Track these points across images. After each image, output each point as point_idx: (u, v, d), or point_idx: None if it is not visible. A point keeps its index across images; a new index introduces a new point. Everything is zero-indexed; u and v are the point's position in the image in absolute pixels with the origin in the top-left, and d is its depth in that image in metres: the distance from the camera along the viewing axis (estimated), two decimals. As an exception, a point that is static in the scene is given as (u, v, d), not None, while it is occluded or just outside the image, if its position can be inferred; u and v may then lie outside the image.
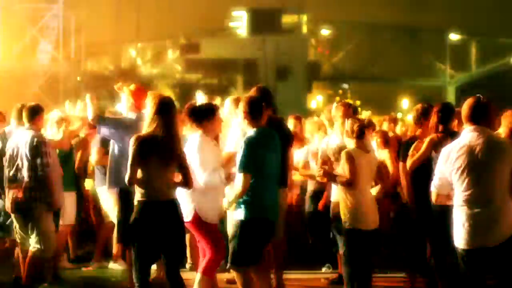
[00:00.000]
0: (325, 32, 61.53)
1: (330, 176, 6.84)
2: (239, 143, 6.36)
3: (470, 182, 5.04)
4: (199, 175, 6.37)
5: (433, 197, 5.38)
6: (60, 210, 8.15)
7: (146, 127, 5.86)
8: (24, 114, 7.46)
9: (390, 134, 10.24)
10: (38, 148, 7.21)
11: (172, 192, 5.91)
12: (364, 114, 10.03)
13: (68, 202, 8.43)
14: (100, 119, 7.18)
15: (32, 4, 28.58)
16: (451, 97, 53.23)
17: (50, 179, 7.26)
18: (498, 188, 5.02)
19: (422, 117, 7.56)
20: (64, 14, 28.66)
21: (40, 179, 7.21)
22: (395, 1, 58.22)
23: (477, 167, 5.02)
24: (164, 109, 5.84)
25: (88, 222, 9.45)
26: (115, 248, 8.64)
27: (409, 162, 7.12)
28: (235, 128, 7.22)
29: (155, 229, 5.76)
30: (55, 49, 28.71)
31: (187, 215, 6.44)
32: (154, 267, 7.00)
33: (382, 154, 8.27)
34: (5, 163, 7.39)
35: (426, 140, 7.03)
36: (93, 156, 8.62)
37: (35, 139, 7.25)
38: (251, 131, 6.26)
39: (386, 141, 8.62)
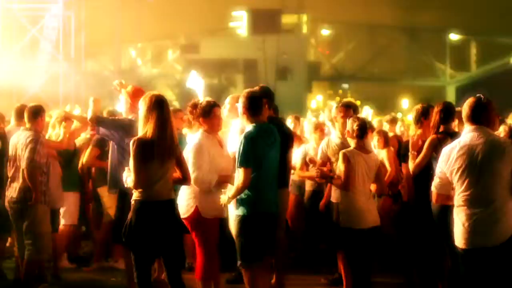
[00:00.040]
0: (325, 32, 61.52)
1: (327, 178, 6.84)
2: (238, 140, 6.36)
3: (470, 182, 5.04)
4: (191, 172, 6.35)
5: (434, 197, 5.38)
6: (60, 210, 8.17)
7: (141, 127, 5.84)
8: (26, 115, 7.47)
9: (390, 134, 10.25)
10: (35, 150, 7.20)
11: (171, 192, 5.91)
12: (365, 111, 10.01)
13: (71, 202, 8.45)
14: (98, 119, 7.18)
15: (32, 4, 28.55)
16: (451, 97, 53.17)
17: (43, 180, 7.25)
18: (498, 188, 5.02)
19: (422, 117, 7.57)
20: (64, 14, 28.64)
21: (35, 181, 7.20)
22: (395, 1, 58.15)
23: (477, 167, 5.02)
24: (157, 107, 5.81)
25: (88, 222, 9.44)
26: (116, 248, 8.63)
27: (411, 165, 7.11)
28: (235, 127, 7.22)
29: (153, 229, 5.74)
30: (55, 49, 28.68)
31: (187, 210, 6.43)
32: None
33: (381, 154, 8.28)
34: (10, 164, 7.39)
35: (427, 141, 7.03)
36: (85, 156, 8.63)
37: (33, 141, 7.25)
38: (249, 126, 6.25)
39: (385, 141, 8.63)
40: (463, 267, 5.13)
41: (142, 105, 5.85)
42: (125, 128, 6.98)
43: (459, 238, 5.11)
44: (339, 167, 6.70)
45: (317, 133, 9.10)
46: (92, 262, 8.99)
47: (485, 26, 56.25)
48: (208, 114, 6.74)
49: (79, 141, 8.99)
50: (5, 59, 26.37)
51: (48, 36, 28.89)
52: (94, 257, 9.06)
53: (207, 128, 6.73)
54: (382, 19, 57.72)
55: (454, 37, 59.04)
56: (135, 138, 5.79)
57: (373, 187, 6.90)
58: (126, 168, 5.87)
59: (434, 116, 7.16)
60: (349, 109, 7.61)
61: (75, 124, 8.64)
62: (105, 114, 9.01)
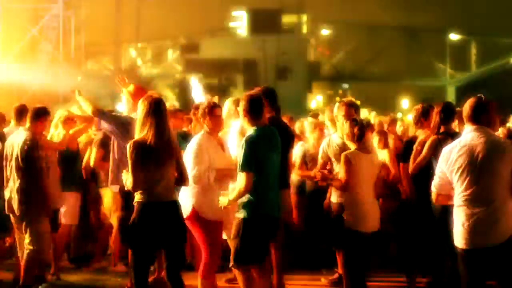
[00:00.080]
0: (325, 32, 61.52)
1: (328, 180, 6.83)
2: (239, 144, 6.36)
3: (470, 182, 5.04)
4: (189, 171, 6.36)
5: (434, 197, 5.38)
6: (59, 210, 8.17)
7: (138, 130, 5.83)
8: (28, 115, 7.48)
9: (391, 135, 10.26)
10: (29, 151, 7.20)
11: (173, 193, 5.91)
12: (365, 114, 10.00)
13: (71, 202, 8.45)
14: (101, 112, 7.20)
15: (32, 4, 28.55)
16: (451, 97, 53.18)
17: (42, 183, 7.26)
18: (498, 188, 5.02)
19: (422, 117, 7.58)
20: (64, 14, 28.64)
21: (31, 182, 7.21)
22: (395, 1, 58.16)
23: (477, 167, 5.02)
24: (155, 110, 5.81)
25: (88, 222, 9.44)
26: (116, 248, 8.63)
27: (411, 165, 7.11)
28: (234, 130, 7.24)
29: (155, 231, 5.74)
30: (55, 49, 28.69)
31: (185, 211, 6.44)
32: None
33: (381, 155, 8.28)
34: (4, 163, 7.40)
35: (428, 142, 7.03)
36: (92, 158, 8.63)
37: (28, 142, 7.24)
38: (251, 130, 6.25)
39: (385, 141, 8.63)
40: (463, 267, 5.13)
41: (140, 107, 5.85)
42: (125, 125, 7.00)
43: (458, 238, 5.11)
44: (340, 169, 6.69)
45: (316, 132, 9.09)
46: (92, 262, 8.99)
47: (485, 26, 56.25)
48: (209, 114, 6.76)
49: (82, 141, 9.00)
50: (5, 59, 26.38)
51: (48, 36, 28.89)
52: (94, 257, 9.07)
53: (208, 128, 6.76)
54: (382, 19, 57.71)
55: (454, 37, 59.04)
56: (132, 141, 5.78)
57: None
58: (124, 171, 5.88)
59: (435, 116, 7.16)
60: (351, 108, 7.60)
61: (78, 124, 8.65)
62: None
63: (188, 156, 6.55)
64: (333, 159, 7.49)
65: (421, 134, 7.51)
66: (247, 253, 6.19)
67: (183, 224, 6.01)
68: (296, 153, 8.78)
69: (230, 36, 57.54)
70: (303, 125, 10.78)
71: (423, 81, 58.31)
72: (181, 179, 5.98)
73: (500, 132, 8.08)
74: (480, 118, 5.14)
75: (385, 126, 10.70)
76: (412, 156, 7.14)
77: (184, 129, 9.07)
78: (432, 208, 6.71)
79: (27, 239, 7.22)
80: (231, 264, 6.32)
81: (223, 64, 51.89)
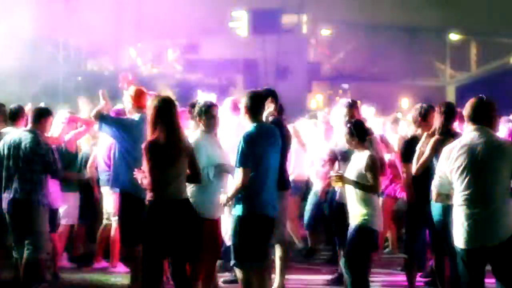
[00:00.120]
0: (325, 32, 61.52)
1: (346, 181, 6.72)
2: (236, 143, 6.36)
3: (470, 181, 5.04)
4: None
5: (433, 196, 5.38)
6: (58, 210, 8.16)
7: (150, 130, 5.86)
8: (31, 115, 7.49)
9: (394, 135, 10.26)
10: (40, 150, 7.24)
11: (184, 191, 5.92)
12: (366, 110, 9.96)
13: (71, 203, 8.45)
14: (101, 116, 7.20)
15: (32, 4, 28.55)
16: (451, 97, 53.12)
17: (47, 182, 7.30)
18: (498, 188, 5.02)
19: (422, 117, 7.58)
20: (64, 14, 28.65)
21: (39, 182, 7.23)
22: (395, 1, 58.12)
23: (477, 166, 5.03)
24: (165, 110, 5.84)
25: (89, 222, 9.44)
26: (115, 248, 8.63)
27: (414, 166, 7.11)
28: (232, 129, 7.24)
29: (167, 229, 5.75)
30: (55, 49, 28.69)
31: None
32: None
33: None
34: (5, 164, 7.39)
35: (430, 142, 7.03)
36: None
37: (39, 142, 7.29)
38: (250, 126, 6.25)
39: (386, 145, 8.61)
40: (463, 266, 5.13)
41: (151, 108, 5.87)
42: (127, 127, 6.99)
43: (458, 238, 5.11)
44: (366, 171, 6.60)
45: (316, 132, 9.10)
46: (92, 262, 8.99)
47: (485, 26, 56.22)
48: (205, 113, 6.76)
49: (85, 140, 9.03)
50: (5, 59, 26.38)
51: (48, 36, 28.88)
52: (94, 257, 9.06)
53: (204, 127, 6.76)
54: (382, 19, 57.69)
55: (454, 37, 59.02)
56: (147, 141, 5.83)
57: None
58: (136, 170, 5.89)
59: (437, 117, 7.16)
60: (351, 109, 7.61)
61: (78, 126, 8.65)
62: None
63: None
64: (339, 158, 7.50)
65: (422, 135, 7.51)
66: (244, 252, 6.18)
67: (196, 222, 5.99)
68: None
69: (230, 36, 57.52)
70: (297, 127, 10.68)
71: (423, 81, 58.27)
72: (194, 177, 5.99)
73: (506, 129, 8.08)
74: (481, 118, 5.14)
75: (388, 125, 10.70)
76: (415, 157, 7.14)
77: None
78: (432, 207, 6.71)
79: (27, 238, 7.22)
80: (232, 263, 6.32)
81: (223, 64, 51.86)
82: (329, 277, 8.28)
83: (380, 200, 7.53)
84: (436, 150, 6.88)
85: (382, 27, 58.60)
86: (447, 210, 5.71)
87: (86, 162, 8.92)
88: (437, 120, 7.14)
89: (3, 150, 7.36)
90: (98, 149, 8.61)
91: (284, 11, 56.18)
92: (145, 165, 5.76)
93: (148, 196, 5.82)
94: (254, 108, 6.28)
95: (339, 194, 7.45)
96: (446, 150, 5.21)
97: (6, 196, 7.29)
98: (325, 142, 8.41)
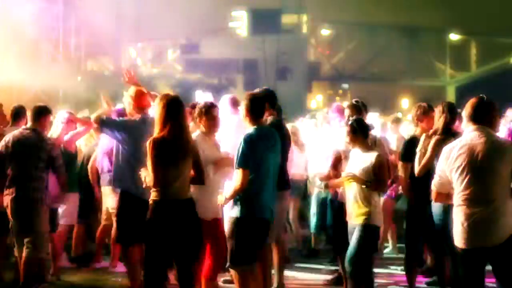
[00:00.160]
0: (325, 32, 61.53)
1: (358, 180, 6.67)
2: (236, 142, 6.35)
3: (470, 181, 5.03)
4: None
5: (433, 196, 5.38)
6: (58, 210, 8.16)
7: (157, 129, 5.85)
8: (30, 114, 7.49)
9: (395, 135, 10.27)
10: (49, 151, 7.27)
11: (188, 191, 5.91)
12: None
13: (70, 203, 8.45)
14: (102, 121, 7.18)
15: (32, 4, 28.55)
16: (451, 97, 53.15)
17: (59, 183, 7.36)
18: (497, 188, 5.02)
19: (421, 117, 7.58)
20: (64, 14, 28.65)
21: (43, 180, 7.25)
22: (395, 1, 58.15)
23: (477, 166, 5.02)
24: (173, 109, 5.84)
25: (88, 222, 9.43)
26: (115, 248, 8.63)
27: (417, 167, 7.11)
28: (230, 127, 7.23)
29: (170, 229, 5.74)
30: (55, 49, 28.70)
31: None
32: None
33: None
34: (7, 162, 7.39)
35: (431, 142, 7.03)
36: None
37: (47, 142, 7.35)
38: (250, 129, 6.25)
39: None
40: (463, 266, 5.13)
41: (159, 106, 5.86)
42: (128, 129, 6.99)
43: (458, 238, 5.11)
44: (377, 171, 6.61)
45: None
46: (92, 262, 8.99)
47: (485, 26, 56.23)
48: (206, 114, 6.76)
49: (86, 141, 9.02)
50: (5, 59, 26.39)
51: (48, 36, 28.90)
52: (94, 257, 9.06)
53: (204, 128, 6.75)
54: (382, 19, 57.71)
55: (454, 37, 59.05)
56: (152, 138, 5.81)
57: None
58: (142, 169, 5.89)
59: (439, 117, 7.15)
60: (358, 110, 7.64)
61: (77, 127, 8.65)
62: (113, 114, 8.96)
63: None
64: (342, 156, 7.51)
65: (421, 135, 7.51)
66: (241, 254, 6.18)
67: (199, 222, 5.99)
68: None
69: (230, 36, 57.54)
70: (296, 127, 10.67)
71: (423, 81, 58.30)
72: (199, 179, 5.99)
73: (505, 129, 8.09)
74: (481, 118, 5.14)
75: (390, 125, 10.71)
76: (417, 159, 7.14)
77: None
78: (432, 207, 6.72)
79: (27, 238, 7.23)
80: (227, 264, 6.32)
81: (223, 64, 51.90)
82: (329, 277, 8.27)
83: (381, 199, 7.53)
84: (437, 150, 6.88)
85: (382, 27, 58.64)
86: (447, 210, 5.70)
87: (87, 162, 8.92)
88: (438, 120, 7.14)
89: (6, 148, 7.36)
90: (99, 149, 8.60)
91: (284, 11, 56.23)
92: (148, 163, 5.75)
93: (152, 195, 5.81)
94: (254, 111, 6.27)
95: (340, 194, 7.45)
96: (446, 149, 5.21)
97: (9, 194, 7.30)
98: (328, 142, 8.41)
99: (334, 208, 7.68)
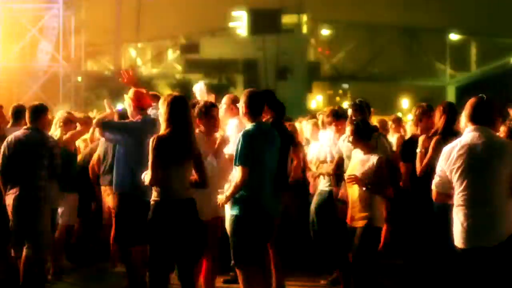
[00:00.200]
0: (325, 32, 61.59)
1: (359, 182, 6.60)
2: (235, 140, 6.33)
3: (470, 181, 5.03)
4: None
5: (433, 196, 5.38)
6: (57, 210, 8.16)
7: (163, 129, 5.85)
8: (28, 114, 7.48)
9: (395, 135, 10.25)
10: (51, 149, 7.29)
11: (189, 192, 5.91)
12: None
13: (70, 203, 8.44)
14: (103, 124, 7.16)
15: (32, 4, 28.59)
16: (451, 97, 53.25)
17: (60, 180, 7.35)
18: (497, 188, 5.01)
19: (422, 117, 7.57)
20: (64, 14, 28.68)
21: (46, 179, 7.26)
22: (395, 1, 58.20)
23: (477, 167, 5.02)
24: (178, 109, 5.84)
25: (88, 222, 9.43)
26: (115, 249, 8.62)
27: (418, 167, 7.10)
28: (231, 126, 7.22)
29: (172, 229, 5.73)
30: (55, 49, 28.72)
31: None
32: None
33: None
34: (9, 162, 7.39)
35: (432, 142, 7.02)
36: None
37: (48, 140, 7.36)
38: (249, 125, 6.24)
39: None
40: (462, 267, 5.13)
41: (163, 106, 5.87)
42: (129, 131, 6.98)
43: (458, 238, 5.10)
44: (379, 174, 6.59)
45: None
46: (92, 262, 8.99)
47: (485, 26, 56.33)
48: (205, 114, 6.75)
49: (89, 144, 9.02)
50: (6, 59, 26.40)
51: (48, 36, 28.92)
52: (94, 257, 9.06)
53: (204, 128, 6.73)
54: (382, 19, 57.78)
55: (454, 37, 59.11)
56: (155, 135, 5.81)
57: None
58: (144, 172, 5.89)
59: (440, 117, 7.15)
60: (361, 110, 7.65)
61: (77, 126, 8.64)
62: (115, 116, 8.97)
63: None
64: (344, 156, 7.51)
65: (421, 135, 7.51)
66: (244, 252, 6.15)
67: (200, 222, 5.98)
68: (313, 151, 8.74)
69: (230, 36, 57.60)
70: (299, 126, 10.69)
71: (423, 81, 58.38)
72: (201, 182, 5.98)
73: (502, 130, 8.07)
74: (481, 118, 5.13)
75: (391, 125, 10.72)
76: (417, 159, 7.14)
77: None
78: (432, 207, 6.71)
79: (29, 237, 7.23)
80: (232, 263, 6.30)
81: (223, 64, 51.96)
82: (329, 277, 8.27)
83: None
84: (437, 150, 6.87)
85: (382, 27, 58.70)
86: (447, 210, 5.70)
87: (88, 161, 8.92)
88: (438, 120, 7.13)
89: (9, 148, 7.37)
90: (100, 149, 8.60)
91: (284, 11, 56.29)
92: (150, 161, 5.75)
93: (153, 196, 5.81)
94: (253, 107, 6.25)
95: (341, 193, 7.44)
96: (446, 149, 5.21)
97: (12, 193, 7.30)
98: (329, 142, 8.41)
99: (334, 208, 7.68)
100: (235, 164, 6.10)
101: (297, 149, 8.42)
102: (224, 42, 54.84)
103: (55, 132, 8.37)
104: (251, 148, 6.05)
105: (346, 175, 6.77)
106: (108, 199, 8.53)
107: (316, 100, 58.60)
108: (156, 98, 7.65)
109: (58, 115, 8.61)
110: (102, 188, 8.61)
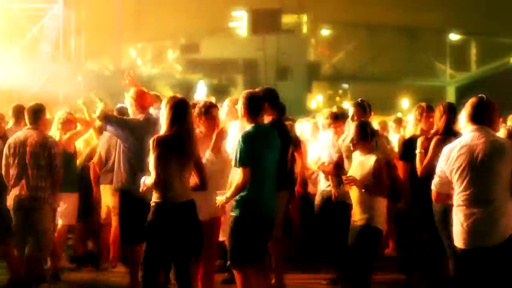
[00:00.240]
0: (325, 32, 61.56)
1: (357, 184, 6.59)
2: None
3: (470, 182, 5.03)
4: None
5: (433, 196, 5.38)
6: (57, 210, 8.16)
7: (163, 131, 5.86)
8: (27, 115, 7.48)
9: (396, 135, 10.25)
10: (50, 149, 7.29)
11: (189, 193, 5.91)
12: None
13: (70, 203, 8.45)
14: (106, 117, 7.19)
15: (32, 4, 28.58)
16: (451, 97, 53.24)
17: (58, 180, 7.35)
18: (497, 188, 5.01)
19: (421, 117, 7.58)
20: (64, 14, 28.67)
21: (47, 179, 7.26)
22: (395, 1, 58.19)
23: (477, 167, 5.02)
24: (180, 111, 5.85)
25: (88, 222, 9.43)
26: (115, 248, 8.62)
27: (418, 166, 7.10)
28: (234, 129, 7.22)
29: (171, 232, 5.73)
30: (55, 49, 28.71)
31: None
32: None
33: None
34: (10, 162, 7.40)
35: (432, 142, 7.03)
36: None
37: (48, 140, 7.37)
38: (248, 127, 6.24)
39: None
40: (462, 267, 5.13)
41: (165, 108, 5.87)
42: (132, 127, 7.00)
43: (458, 238, 5.11)
44: (378, 174, 6.57)
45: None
46: (92, 262, 8.99)
47: (485, 26, 56.31)
48: (205, 114, 6.74)
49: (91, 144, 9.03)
50: (5, 59, 26.41)
51: (48, 36, 28.92)
52: (95, 257, 9.06)
53: (204, 128, 6.73)
54: (382, 19, 57.76)
55: (454, 37, 59.10)
56: (155, 136, 5.83)
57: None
58: (144, 177, 5.89)
59: (440, 117, 7.16)
60: (363, 109, 7.66)
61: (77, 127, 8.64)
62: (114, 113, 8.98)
63: None
64: (343, 155, 7.51)
65: (420, 135, 7.51)
66: (242, 253, 6.16)
67: (199, 225, 5.98)
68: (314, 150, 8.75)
69: (230, 36, 57.58)
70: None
71: (423, 81, 58.36)
72: (201, 184, 5.99)
73: (501, 132, 8.08)
74: (481, 118, 5.13)
75: (391, 125, 10.71)
76: (418, 160, 7.14)
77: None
78: (432, 207, 6.71)
79: (31, 236, 7.24)
80: (228, 263, 6.30)
81: (223, 64, 51.96)
82: (328, 276, 8.27)
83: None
84: (438, 150, 6.87)
85: (382, 27, 58.67)
86: (447, 210, 5.70)
87: (88, 161, 8.92)
88: (438, 121, 7.14)
89: (10, 149, 7.38)
90: (101, 148, 8.61)
91: (284, 11, 56.26)
92: (151, 161, 5.75)
93: (154, 197, 5.81)
94: (252, 108, 6.25)
95: (340, 193, 7.44)
96: (446, 150, 5.21)
97: (14, 193, 7.31)
98: (328, 144, 8.42)
99: (334, 208, 7.68)
100: (235, 166, 6.11)
101: (299, 149, 8.43)
102: (224, 42, 54.82)
103: (55, 132, 8.38)
104: (251, 149, 6.06)
105: (343, 177, 6.76)
106: (108, 198, 8.54)
107: (316, 100, 58.57)
108: (156, 98, 7.66)
109: (58, 115, 8.62)
110: (102, 186, 8.63)
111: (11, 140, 7.47)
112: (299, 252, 9.36)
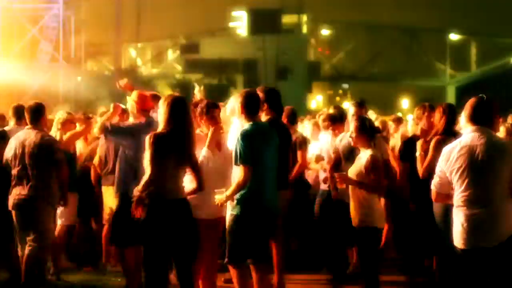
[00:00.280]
0: (325, 32, 61.59)
1: (350, 181, 6.53)
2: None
3: (470, 182, 5.03)
4: None
5: (433, 196, 5.38)
6: (57, 210, 8.16)
7: (160, 129, 5.86)
8: (27, 115, 7.48)
9: (396, 134, 10.24)
10: (49, 146, 7.29)
11: (183, 191, 5.91)
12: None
13: (69, 203, 8.44)
14: (106, 129, 7.14)
15: (32, 4, 28.61)
16: (451, 97, 53.29)
17: (63, 176, 7.36)
18: (497, 189, 5.01)
19: (422, 117, 7.58)
20: (64, 14, 28.69)
21: (47, 179, 7.27)
22: (395, 1, 58.22)
23: (477, 167, 5.02)
24: (177, 109, 5.85)
25: (88, 222, 9.44)
26: (112, 249, 8.62)
27: (419, 168, 7.10)
28: (235, 126, 7.21)
29: (167, 229, 5.73)
30: (55, 49, 28.73)
31: None
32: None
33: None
34: (11, 162, 7.40)
35: (432, 143, 7.03)
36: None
37: (46, 139, 7.35)
38: (246, 125, 6.24)
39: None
40: (462, 267, 5.13)
41: (163, 106, 5.87)
42: (134, 133, 6.99)
43: (458, 238, 5.10)
44: (373, 172, 6.53)
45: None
46: (92, 262, 8.98)
47: (485, 26, 56.34)
48: (206, 114, 6.74)
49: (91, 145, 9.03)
50: (5, 59, 26.41)
51: (48, 36, 28.93)
52: (94, 257, 9.06)
53: (206, 127, 6.73)
54: (382, 19, 57.78)
55: (454, 37, 59.11)
56: (152, 133, 5.83)
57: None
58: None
59: (440, 118, 7.16)
60: (361, 109, 7.70)
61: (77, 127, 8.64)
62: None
63: None
64: (341, 155, 7.51)
65: (421, 135, 7.51)
66: (239, 250, 6.16)
67: (194, 221, 5.97)
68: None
69: (230, 36, 57.59)
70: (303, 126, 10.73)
71: (423, 81, 58.38)
72: (198, 185, 5.99)
73: (502, 130, 8.08)
74: (481, 118, 5.13)
75: (391, 125, 10.71)
76: (418, 161, 7.14)
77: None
78: (432, 207, 6.71)
79: (31, 236, 7.24)
80: (225, 261, 6.30)
81: (223, 64, 51.96)
82: (329, 276, 8.27)
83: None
84: (438, 151, 6.87)
85: (382, 27, 58.69)
86: (447, 210, 5.70)
87: (88, 161, 8.92)
88: (439, 121, 7.14)
89: (10, 150, 7.38)
90: (101, 149, 8.60)
91: (284, 11, 56.27)
92: (146, 157, 5.75)
93: (147, 194, 5.80)
94: (249, 107, 6.26)
95: (339, 192, 7.44)
96: (446, 150, 5.20)
97: (15, 193, 7.31)
98: (327, 145, 8.42)
99: (334, 209, 7.68)
100: (236, 164, 6.11)
101: (302, 148, 8.43)
102: (224, 42, 54.84)
103: (55, 132, 8.38)
104: (250, 147, 6.06)
105: (336, 174, 6.71)
106: (110, 200, 8.53)
107: (316, 100, 58.60)
108: (156, 98, 7.65)
109: (58, 115, 8.61)
110: (104, 188, 8.62)
111: (12, 140, 7.47)
112: (299, 252, 9.36)
